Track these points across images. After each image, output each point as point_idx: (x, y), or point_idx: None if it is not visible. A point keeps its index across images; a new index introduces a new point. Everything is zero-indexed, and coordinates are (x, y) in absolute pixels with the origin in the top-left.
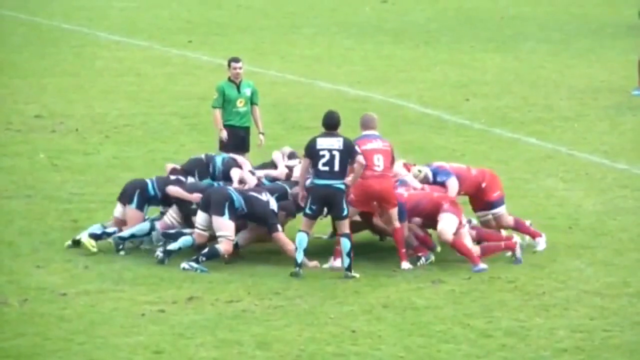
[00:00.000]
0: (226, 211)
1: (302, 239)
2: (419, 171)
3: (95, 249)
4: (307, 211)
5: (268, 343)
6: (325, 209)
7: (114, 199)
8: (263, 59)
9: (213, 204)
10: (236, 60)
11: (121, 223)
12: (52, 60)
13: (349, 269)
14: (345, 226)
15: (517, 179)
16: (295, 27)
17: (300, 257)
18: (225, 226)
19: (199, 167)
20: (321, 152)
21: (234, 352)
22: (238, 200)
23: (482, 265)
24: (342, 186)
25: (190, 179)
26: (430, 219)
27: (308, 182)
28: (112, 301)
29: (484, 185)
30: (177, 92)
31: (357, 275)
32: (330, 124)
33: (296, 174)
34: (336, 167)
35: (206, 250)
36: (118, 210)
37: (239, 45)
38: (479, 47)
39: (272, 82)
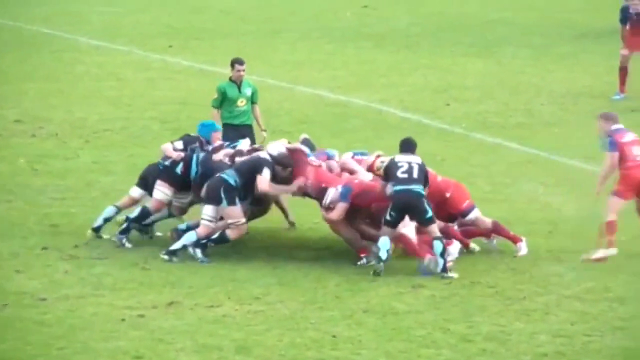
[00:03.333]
0: (223, 198)
1: (386, 240)
2: (382, 162)
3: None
4: (387, 218)
5: (248, 348)
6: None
7: (94, 204)
8: None
9: (210, 196)
10: (240, 62)
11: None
12: (32, 65)
13: (444, 270)
14: (434, 230)
15: (498, 183)
16: (276, 32)
17: (384, 255)
18: (230, 213)
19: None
20: (399, 164)
21: (214, 357)
22: (232, 177)
23: (429, 258)
24: (422, 191)
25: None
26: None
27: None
28: (92, 306)
29: (448, 195)
30: (157, 96)
31: (455, 275)
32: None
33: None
34: (415, 175)
35: (216, 235)
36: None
37: (220, 50)
38: (460, 52)
39: None
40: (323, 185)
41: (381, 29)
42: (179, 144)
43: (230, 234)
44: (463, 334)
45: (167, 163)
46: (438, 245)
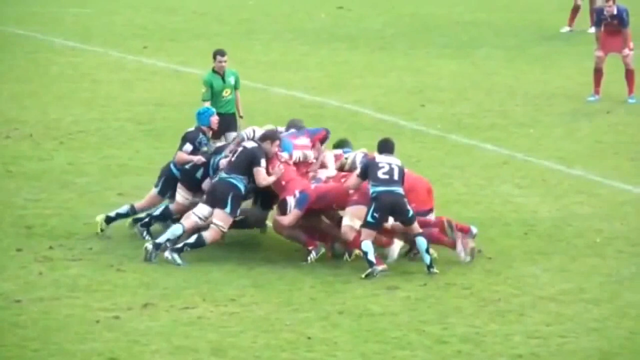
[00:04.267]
0: (229, 204)
1: (369, 244)
2: (346, 159)
3: (100, 231)
4: (370, 220)
5: (223, 349)
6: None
7: (68, 205)
8: None
9: (217, 198)
10: (222, 53)
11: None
12: (5, 66)
13: (431, 265)
14: (416, 228)
15: (473, 185)
16: (251, 33)
17: (372, 257)
18: (223, 218)
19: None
20: (380, 165)
21: (189, 359)
22: (241, 182)
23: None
24: (403, 192)
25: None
26: (343, 208)
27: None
28: (67, 308)
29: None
30: (132, 98)
31: (438, 271)
32: (387, 147)
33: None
34: (395, 176)
35: (193, 239)
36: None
37: (194, 51)
38: (435, 53)
39: None
40: (283, 182)
41: (355, 30)
42: (188, 147)
43: (208, 236)
44: (438, 336)
45: (187, 167)
46: (422, 242)
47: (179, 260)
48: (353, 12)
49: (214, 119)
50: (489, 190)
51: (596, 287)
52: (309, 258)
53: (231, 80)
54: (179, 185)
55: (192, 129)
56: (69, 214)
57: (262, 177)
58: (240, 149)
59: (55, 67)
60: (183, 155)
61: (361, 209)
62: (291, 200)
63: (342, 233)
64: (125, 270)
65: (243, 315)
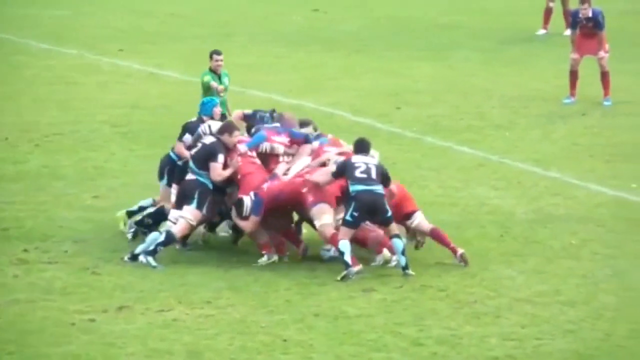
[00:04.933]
0: (195, 200)
1: (347, 243)
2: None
3: (123, 228)
4: (348, 219)
5: (199, 352)
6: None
7: (44, 207)
8: (194, 67)
9: (186, 196)
10: (218, 52)
11: None
12: None
13: (406, 267)
14: (394, 228)
15: (449, 187)
16: (227, 35)
17: (349, 258)
18: (190, 212)
19: None
20: (356, 164)
21: None
22: (209, 180)
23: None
24: (382, 191)
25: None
26: (298, 206)
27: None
28: (42, 310)
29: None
30: (108, 100)
31: (414, 273)
32: (363, 147)
33: None
34: (373, 175)
35: (163, 237)
36: None
37: (171, 54)
38: (411, 56)
39: None
40: (239, 176)
41: (331, 33)
42: (188, 138)
43: (177, 230)
44: (414, 338)
45: (181, 163)
46: (398, 243)
47: (154, 263)
48: (329, 15)
49: (217, 110)
50: (465, 193)
51: (572, 289)
52: (259, 261)
53: (226, 81)
54: (173, 185)
55: (194, 119)
56: (45, 217)
57: (217, 173)
58: (199, 145)
59: (31, 70)
60: (181, 148)
61: (323, 207)
62: (247, 201)
63: (319, 234)
64: (100, 273)
65: (219, 317)
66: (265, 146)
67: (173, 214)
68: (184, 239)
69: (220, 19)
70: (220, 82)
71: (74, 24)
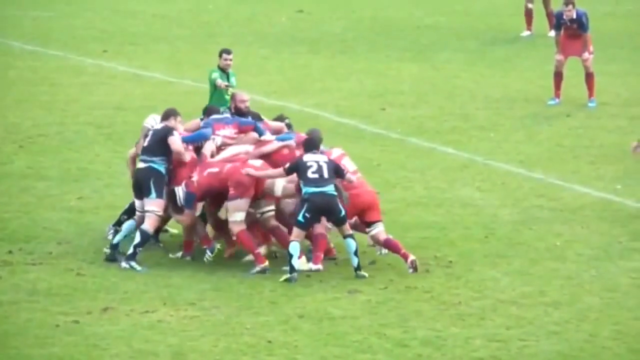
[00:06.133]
0: (152, 189)
1: (297, 246)
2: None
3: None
4: (300, 220)
5: (184, 354)
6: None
7: (28, 209)
8: (178, 68)
9: (142, 187)
10: (227, 51)
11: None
12: None
13: (358, 268)
14: (347, 228)
15: (433, 188)
16: (211, 36)
17: (296, 263)
18: (153, 204)
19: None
20: (308, 164)
21: None
22: (161, 164)
23: (262, 266)
24: (334, 191)
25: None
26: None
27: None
28: (26, 312)
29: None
30: (92, 101)
31: (367, 274)
32: (313, 145)
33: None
34: (325, 175)
35: (138, 238)
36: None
37: (155, 55)
38: (395, 57)
39: (187, 91)
40: (170, 166)
41: (316, 34)
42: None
43: (148, 227)
44: (399, 339)
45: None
46: (351, 244)
47: (137, 267)
48: (313, 16)
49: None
50: (449, 194)
51: (556, 290)
52: (205, 258)
53: (233, 80)
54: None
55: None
56: (29, 218)
57: (178, 144)
58: (150, 133)
59: (14, 71)
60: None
61: (239, 204)
62: (179, 192)
63: (229, 230)
64: (84, 274)
65: (203, 319)
66: (217, 141)
67: (137, 205)
68: (157, 232)
69: (204, 20)
70: (228, 81)
71: (58, 25)
